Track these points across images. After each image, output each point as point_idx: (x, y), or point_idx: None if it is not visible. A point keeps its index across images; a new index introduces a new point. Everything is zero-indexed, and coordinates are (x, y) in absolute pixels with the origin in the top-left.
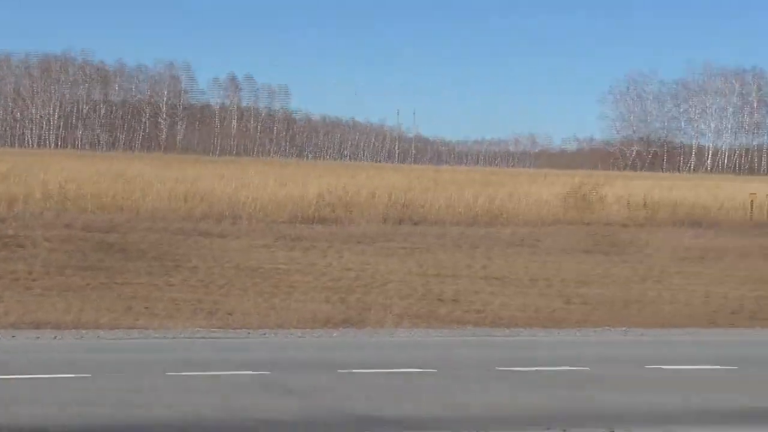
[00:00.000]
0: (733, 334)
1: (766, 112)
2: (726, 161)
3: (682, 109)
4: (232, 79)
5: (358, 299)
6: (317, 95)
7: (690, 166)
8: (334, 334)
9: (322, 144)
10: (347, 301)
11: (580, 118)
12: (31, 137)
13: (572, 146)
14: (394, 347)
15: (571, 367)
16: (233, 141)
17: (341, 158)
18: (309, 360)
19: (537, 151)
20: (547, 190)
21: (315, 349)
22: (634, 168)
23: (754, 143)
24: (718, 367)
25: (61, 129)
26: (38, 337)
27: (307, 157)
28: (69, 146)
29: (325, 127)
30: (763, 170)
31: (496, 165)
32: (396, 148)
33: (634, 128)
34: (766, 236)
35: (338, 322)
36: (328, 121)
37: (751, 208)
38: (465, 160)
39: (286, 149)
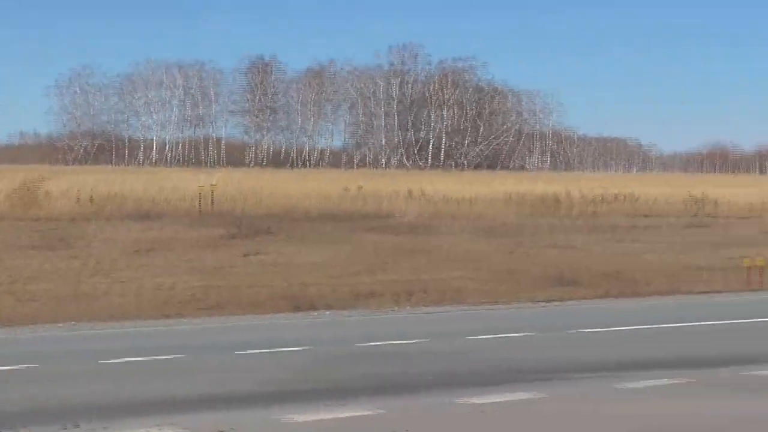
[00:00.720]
0: (182, 324)
1: (209, 104)
2: (173, 154)
3: (127, 103)
4: None
5: None
6: None
7: (138, 160)
8: None
9: None
10: None
11: (26, 113)
12: None
13: (16, 141)
14: None
15: (20, 365)
16: None
17: None
18: None
19: None
20: None
21: None
22: (81, 162)
23: (199, 135)
24: (166, 357)
25: None
26: None
27: None
28: None
29: None
30: (210, 162)
31: None
32: None
33: (80, 122)
34: (213, 227)
35: None
36: None
37: (200, 200)
38: None
39: None
